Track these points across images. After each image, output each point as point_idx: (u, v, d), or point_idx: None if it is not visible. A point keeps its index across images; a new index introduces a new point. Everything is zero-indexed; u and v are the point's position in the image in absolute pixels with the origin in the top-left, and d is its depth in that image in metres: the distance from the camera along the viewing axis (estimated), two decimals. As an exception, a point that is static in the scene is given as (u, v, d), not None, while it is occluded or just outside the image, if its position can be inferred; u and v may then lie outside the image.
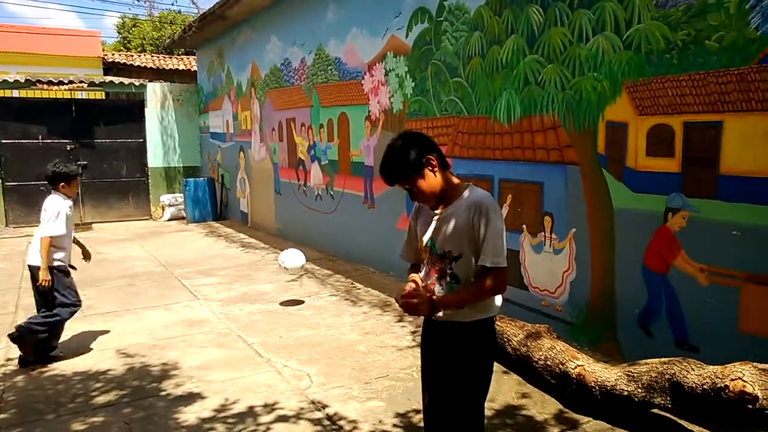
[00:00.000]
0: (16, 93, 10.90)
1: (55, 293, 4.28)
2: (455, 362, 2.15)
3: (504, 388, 3.64)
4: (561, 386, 3.42)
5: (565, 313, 4.36)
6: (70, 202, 4.43)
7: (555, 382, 3.46)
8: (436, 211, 2.18)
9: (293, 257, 5.77)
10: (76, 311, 4.42)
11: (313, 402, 3.53)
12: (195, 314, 5.42)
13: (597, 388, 3.20)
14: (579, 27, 4.02)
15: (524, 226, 4.64)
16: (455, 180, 2.18)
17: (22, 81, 10.98)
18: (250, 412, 3.40)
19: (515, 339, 3.79)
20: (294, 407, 3.46)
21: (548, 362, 3.51)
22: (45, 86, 11.13)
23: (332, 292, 6.07)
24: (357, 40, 6.86)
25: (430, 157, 2.09)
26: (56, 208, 4.29)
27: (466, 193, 2.13)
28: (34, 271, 4.29)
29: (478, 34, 4.94)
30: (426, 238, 2.21)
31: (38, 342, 4.22)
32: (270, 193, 9.77)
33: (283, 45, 8.76)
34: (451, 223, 2.11)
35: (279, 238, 9.28)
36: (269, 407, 3.47)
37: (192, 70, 15.11)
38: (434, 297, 2.09)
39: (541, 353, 3.58)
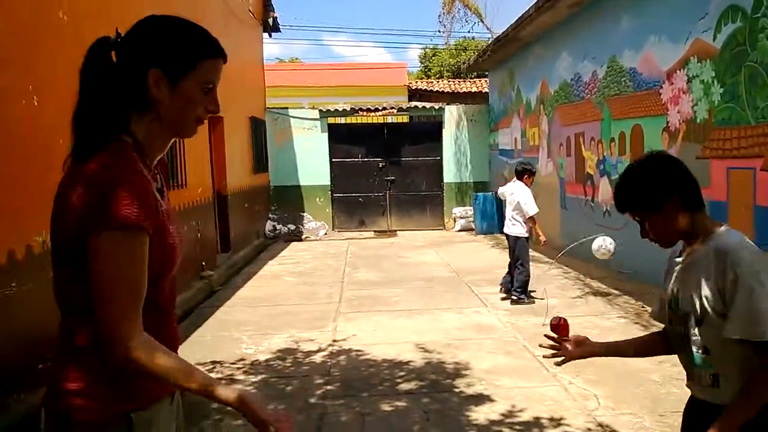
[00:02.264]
0: (342, 120, 13.12)
1: (522, 253, 6.44)
2: None
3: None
4: None
5: None
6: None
7: None
8: (678, 259, 1.80)
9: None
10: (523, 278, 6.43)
11: (600, 425, 3.49)
12: (483, 320, 5.81)
13: None
14: None
15: None
16: (706, 222, 1.74)
17: (348, 110, 13.17)
18: (536, 423, 3.54)
19: None
20: (581, 426, 3.48)
21: None
22: (364, 113, 13.12)
23: (620, 314, 5.82)
24: (654, 48, 6.45)
25: (675, 194, 1.70)
26: (530, 195, 6.36)
27: (710, 239, 1.70)
28: (511, 239, 6.53)
29: (812, 28, 4.22)
30: (669, 290, 1.82)
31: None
32: (555, 208, 9.74)
33: (574, 60, 8.69)
34: (691, 276, 1.71)
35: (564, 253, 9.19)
36: (555, 421, 3.56)
37: (483, 91, 15.93)
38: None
39: None
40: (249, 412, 1.26)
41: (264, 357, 4.86)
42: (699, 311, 1.67)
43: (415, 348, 5.01)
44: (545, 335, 2.02)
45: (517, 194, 6.41)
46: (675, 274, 1.79)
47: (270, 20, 12.55)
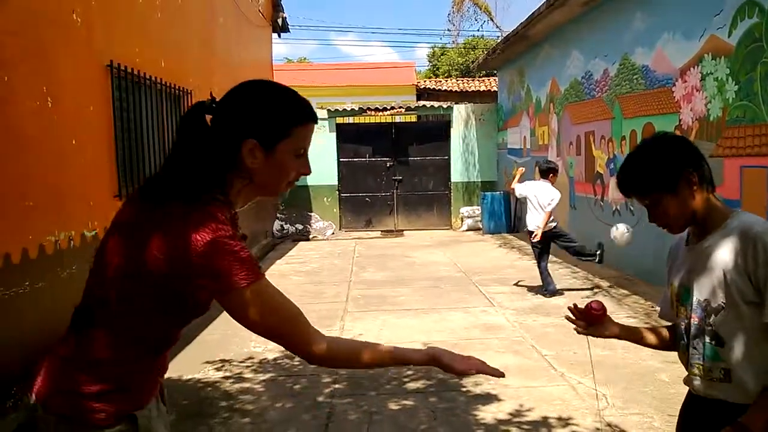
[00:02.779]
0: (350, 119, 13.09)
1: (563, 240, 6.64)
2: None
3: None
4: None
5: None
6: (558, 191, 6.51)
7: None
8: (688, 245, 1.69)
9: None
10: (576, 243, 6.73)
11: (609, 425, 3.45)
12: (491, 320, 5.76)
13: None
14: None
15: None
16: (719, 204, 1.65)
17: (356, 109, 13.14)
18: (544, 423, 3.50)
19: None
20: (589, 426, 3.44)
21: None
22: (372, 113, 13.10)
23: (629, 314, 5.76)
24: (668, 45, 6.38)
25: (688, 171, 1.58)
26: (553, 194, 6.38)
27: (729, 221, 1.59)
28: (548, 235, 6.49)
29: (829, 23, 4.15)
30: (677, 282, 1.71)
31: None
32: (564, 208, 9.66)
33: (585, 58, 8.63)
34: (709, 262, 1.59)
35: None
36: (563, 421, 3.51)
37: (492, 90, 15.89)
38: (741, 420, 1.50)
39: None
40: (443, 367, 1.41)
41: (272, 355, 4.85)
42: (720, 298, 1.57)
43: (422, 347, 4.96)
44: (576, 305, 1.86)
45: (542, 193, 6.45)
46: (686, 262, 1.68)
47: (279, 20, 12.55)
